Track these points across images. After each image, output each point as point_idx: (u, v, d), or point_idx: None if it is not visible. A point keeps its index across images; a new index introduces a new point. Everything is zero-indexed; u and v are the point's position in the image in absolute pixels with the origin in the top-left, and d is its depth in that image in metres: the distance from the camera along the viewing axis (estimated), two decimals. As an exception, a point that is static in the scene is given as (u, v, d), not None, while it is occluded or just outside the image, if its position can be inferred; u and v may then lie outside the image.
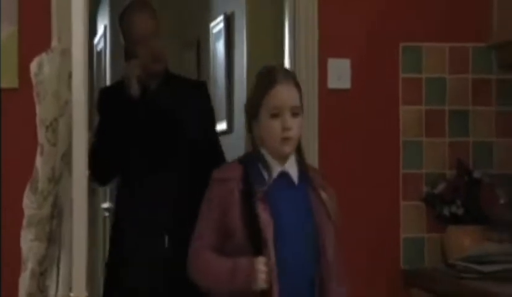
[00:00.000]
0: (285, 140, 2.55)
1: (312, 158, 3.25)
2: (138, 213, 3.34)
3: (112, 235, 3.52)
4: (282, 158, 2.60)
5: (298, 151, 2.64)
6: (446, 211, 3.28)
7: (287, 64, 3.51)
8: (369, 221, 3.37)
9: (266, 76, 2.60)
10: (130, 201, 3.38)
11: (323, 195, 2.59)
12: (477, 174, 3.32)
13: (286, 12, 3.51)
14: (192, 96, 3.48)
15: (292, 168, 2.60)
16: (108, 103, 3.44)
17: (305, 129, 3.27)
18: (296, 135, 2.57)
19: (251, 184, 2.52)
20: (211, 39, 5.56)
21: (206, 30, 5.68)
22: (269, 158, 2.59)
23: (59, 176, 2.80)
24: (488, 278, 2.97)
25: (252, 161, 2.59)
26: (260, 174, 2.55)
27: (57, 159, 2.79)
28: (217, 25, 5.38)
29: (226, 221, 2.53)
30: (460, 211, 3.25)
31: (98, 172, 3.34)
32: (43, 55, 2.74)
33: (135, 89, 3.33)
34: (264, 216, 2.48)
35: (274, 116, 2.55)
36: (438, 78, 3.44)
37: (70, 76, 2.95)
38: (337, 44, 3.37)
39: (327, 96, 3.37)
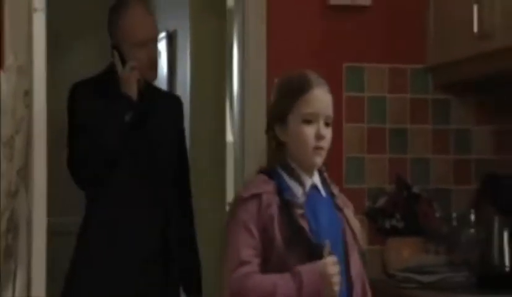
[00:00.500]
0: (318, 149, 2.34)
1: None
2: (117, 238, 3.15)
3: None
4: (310, 170, 2.38)
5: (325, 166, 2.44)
6: (386, 224, 3.44)
7: (235, 83, 3.65)
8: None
9: (299, 79, 2.38)
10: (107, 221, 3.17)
11: (348, 213, 2.42)
12: (415, 189, 3.49)
13: (235, 33, 3.65)
14: (172, 112, 3.36)
15: (317, 181, 2.40)
16: (89, 99, 3.22)
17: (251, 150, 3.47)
18: (328, 147, 2.37)
19: (285, 198, 2.30)
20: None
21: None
22: (298, 169, 2.36)
23: (15, 191, 2.86)
24: (426, 287, 3.16)
25: (278, 173, 2.35)
26: (289, 187, 2.33)
27: (14, 174, 2.85)
28: (160, 41, 5.46)
29: (266, 236, 2.27)
30: (400, 224, 3.41)
31: (86, 171, 3.14)
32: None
33: (134, 93, 3.16)
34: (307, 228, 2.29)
35: (307, 122, 2.34)
36: (379, 98, 3.62)
37: (26, 93, 3.01)
38: (284, 64, 3.50)
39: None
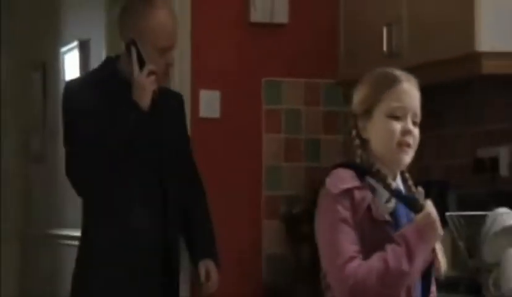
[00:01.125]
0: (405, 146, 2.15)
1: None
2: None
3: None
4: (395, 171, 2.19)
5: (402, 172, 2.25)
6: (303, 230, 3.68)
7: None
8: (233, 239, 3.68)
9: (387, 73, 2.21)
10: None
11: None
12: (328, 196, 3.76)
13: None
14: (177, 111, 3.13)
15: (400, 185, 2.21)
16: (89, 100, 2.92)
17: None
18: (415, 147, 2.19)
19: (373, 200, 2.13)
20: (61, 63, 5.67)
21: (56, 54, 5.76)
22: (381, 167, 2.17)
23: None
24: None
25: (361, 172, 2.16)
26: (374, 189, 2.15)
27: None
28: (71, 51, 5.51)
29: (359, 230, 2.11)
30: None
31: (90, 172, 2.91)
32: None
33: (147, 104, 2.87)
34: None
35: (394, 118, 2.16)
36: (295, 110, 3.87)
37: None
38: (208, 77, 3.72)
39: (199, 124, 3.71)
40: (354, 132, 2.20)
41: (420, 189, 2.21)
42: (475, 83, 3.42)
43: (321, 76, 3.90)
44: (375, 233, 2.11)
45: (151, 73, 2.89)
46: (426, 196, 3.42)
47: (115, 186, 2.94)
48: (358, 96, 2.23)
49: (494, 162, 3.40)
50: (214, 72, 3.75)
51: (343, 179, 2.14)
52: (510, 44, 3.04)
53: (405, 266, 2.07)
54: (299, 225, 3.70)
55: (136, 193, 2.97)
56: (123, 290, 2.95)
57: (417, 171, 3.79)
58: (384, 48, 3.47)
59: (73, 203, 4.11)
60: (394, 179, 2.19)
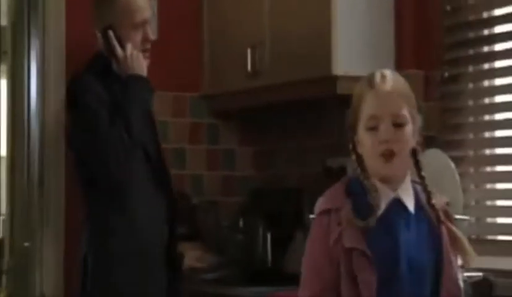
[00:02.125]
0: (386, 156, 2.07)
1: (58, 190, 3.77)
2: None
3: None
4: (391, 181, 2.12)
5: (417, 170, 2.17)
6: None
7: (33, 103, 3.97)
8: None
9: (363, 81, 2.16)
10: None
11: (454, 229, 2.16)
12: (194, 201, 4.07)
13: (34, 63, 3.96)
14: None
15: (406, 193, 2.13)
16: (100, 90, 3.00)
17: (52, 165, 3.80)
18: (403, 149, 2.09)
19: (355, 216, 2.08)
20: None
21: None
22: (376, 182, 2.11)
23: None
24: (209, 283, 3.71)
25: (357, 187, 2.13)
26: (366, 204, 2.09)
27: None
28: None
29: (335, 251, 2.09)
30: (184, 231, 3.97)
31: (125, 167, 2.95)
32: None
33: (145, 72, 3.09)
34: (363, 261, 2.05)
35: (371, 129, 2.09)
36: (163, 122, 4.08)
37: None
38: None
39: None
40: (350, 147, 2.18)
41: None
42: (327, 101, 3.82)
43: (188, 90, 4.15)
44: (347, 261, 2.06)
45: (133, 49, 3.05)
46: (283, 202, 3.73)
47: (131, 179, 3.02)
48: (349, 109, 2.19)
49: (343, 170, 3.81)
50: None
51: (327, 197, 2.16)
52: (360, 70, 3.43)
53: None
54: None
55: (149, 185, 3.09)
56: (141, 281, 3.04)
57: (272, 179, 4.21)
58: (249, 68, 3.81)
59: None
60: (395, 188, 2.11)
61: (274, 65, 3.74)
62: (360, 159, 2.15)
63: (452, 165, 3.19)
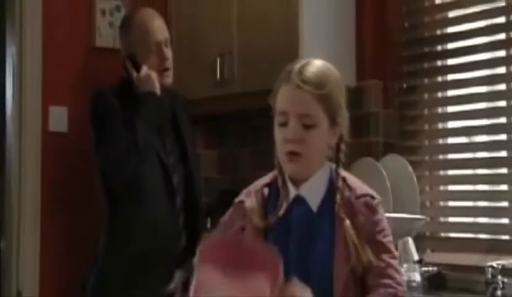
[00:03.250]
0: (289, 155, 2.00)
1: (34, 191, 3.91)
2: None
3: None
4: (298, 178, 2.04)
5: (336, 166, 2.07)
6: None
7: (9, 109, 4.10)
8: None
9: (285, 69, 2.07)
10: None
11: (347, 225, 2.00)
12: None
13: (10, 65, 4.10)
14: (185, 110, 3.55)
15: (313, 191, 2.04)
16: (118, 102, 3.27)
17: (28, 165, 3.91)
18: (309, 152, 1.99)
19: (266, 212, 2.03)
20: None
21: None
22: (287, 178, 2.05)
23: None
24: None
25: (275, 182, 2.07)
26: (275, 202, 2.06)
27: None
28: None
29: None
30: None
31: (128, 170, 3.18)
32: None
33: (157, 88, 3.31)
34: None
35: (281, 125, 2.03)
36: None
37: None
38: (57, 94, 4.02)
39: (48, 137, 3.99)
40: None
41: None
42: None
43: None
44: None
45: (148, 70, 3.31)
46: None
47: (145, 176, 3.25)
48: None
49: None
50: (63, 89, 4.04)
51: (250, 189, 2.15)
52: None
53: None
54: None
55: (162, 183, 3.30)
56: (153, 271, 3.20)
57: (237, 180, 4.38)
58: (218, 76, 3.96)
59: None
60: (298, 185, 2.04)
61: (242, 73, 3.87)
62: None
63: (410, 168, 3.44)
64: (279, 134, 2.04)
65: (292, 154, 2.02)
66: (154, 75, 3.36)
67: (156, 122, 3.32)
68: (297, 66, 2.05)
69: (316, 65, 2.07)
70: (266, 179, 2.14)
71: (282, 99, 2.03)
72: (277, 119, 2.04)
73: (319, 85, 2.02)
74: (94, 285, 3.29)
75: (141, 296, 3.18)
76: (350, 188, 2.08)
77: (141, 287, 3.21)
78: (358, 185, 2.11)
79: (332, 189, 2.07)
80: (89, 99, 3.44)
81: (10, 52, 4.08)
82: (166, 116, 3.41)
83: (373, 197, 2.08)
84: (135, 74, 3.39)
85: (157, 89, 3.35)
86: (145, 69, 3.36)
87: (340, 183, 2.07)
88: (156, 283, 3.05)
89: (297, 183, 2.07)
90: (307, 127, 2.01)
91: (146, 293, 3.18)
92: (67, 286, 3.90)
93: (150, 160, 3.28)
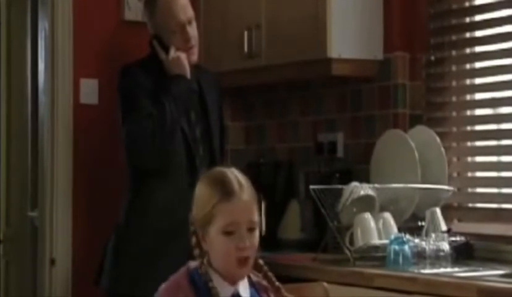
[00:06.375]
0: (242, 260, 2.13)
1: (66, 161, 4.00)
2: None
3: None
4: (235, 280, 2.18)
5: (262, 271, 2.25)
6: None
7: (41, 82, 4.17)
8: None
9: (218, 185, 2.15)
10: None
11: None
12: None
13: (42, 39, 4.17)
14: (215, 88, 3.62)
15: (243, 286, 2.20)
16: (146, 79, 3.36)
17: (60, 136, 4.04)
18: (254, 254, 2.16)
19: None
20: None
21: None
22: (217, 278, 2.16)
23: None
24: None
25: (200, 280, 2.16)
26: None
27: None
28: None
29: None
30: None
31: (153, 148, 3.26)
32: None
33: (188, 72, 3.37)
34: None
35: (228, 233, 2.13)
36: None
37: None
38: (88, 67, 4.10)
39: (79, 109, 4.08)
40: (193, 240, 2.19)
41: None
42: (320, 81, 4.06)
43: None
44: None
45: (176, 51, 3.38)
46: (275, 174, 3.90)
47: (170, 153, 3.35)
48: (197, 202, 2.20)
49: (333, 145, 4.07)
50: (93, 62, 4.11)
51: (174, 287, 2.16)
52: (353, 52, 3.70)
53: None
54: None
55: (185, 158, 3.38)
56: (171, 245, 3.28)
57: (264, 152, 4.44)
58: (245, 49, 4.03)
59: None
60: (234, 284, 2.17)
61: (270, 47, 3.93)
62: (203, 254, 2.18)
63: (438, 140, 3.48)
64: (225, 243, 2.14)
65: (243, 261, 2.15)
66: (183, 57, 3.43)
67: (184, 105, 3.40)
68: (232, 181, 2.17)
69: (238, 174, 2.22)
70: (182, 279, 2.19)
71: (231, 213, 2.14)
72: (225, 229, 2.14)
73: (252, 189, 2.20)
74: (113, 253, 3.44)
75: (162, 265, 3.18)
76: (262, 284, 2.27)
77: (162, 256, 3.28)
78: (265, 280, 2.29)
79: (250, 281, 2.25)
80: (117, 73, 3.49)
81: (42, 26, 4.16)
82: (194, 98, 3.49)
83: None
84: (163, 55, 3.46)
85: (187, 72, 3.42)
86: (173, 51, 3.43)
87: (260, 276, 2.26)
88: (177, 255, 3.01)
89: (231, 282, 2.19)
90: (252, 230, 2.17)
91: (167, 262, 3.13)
92: (98, 254, 3.97)
93: (175, 137, 3.37)
